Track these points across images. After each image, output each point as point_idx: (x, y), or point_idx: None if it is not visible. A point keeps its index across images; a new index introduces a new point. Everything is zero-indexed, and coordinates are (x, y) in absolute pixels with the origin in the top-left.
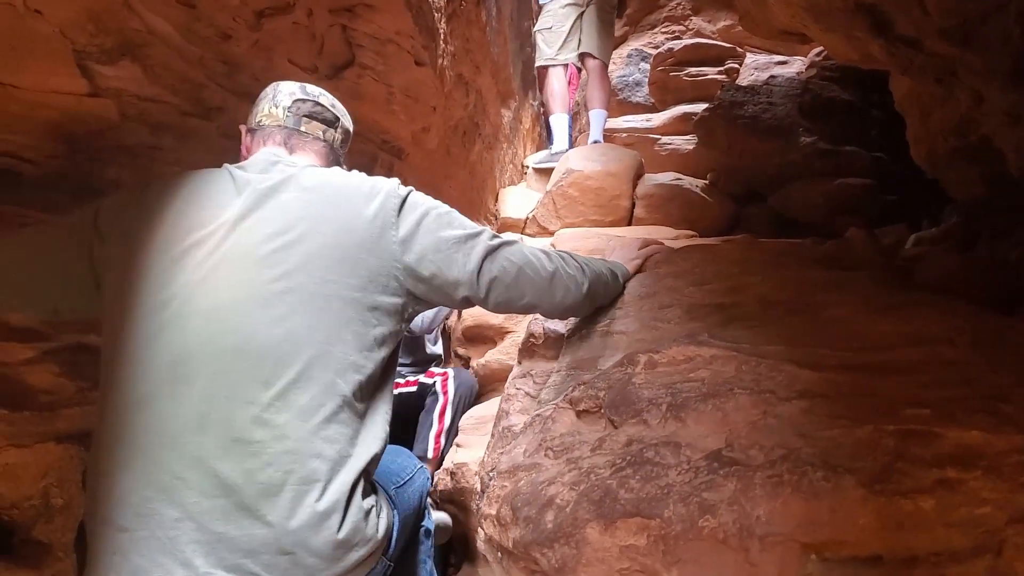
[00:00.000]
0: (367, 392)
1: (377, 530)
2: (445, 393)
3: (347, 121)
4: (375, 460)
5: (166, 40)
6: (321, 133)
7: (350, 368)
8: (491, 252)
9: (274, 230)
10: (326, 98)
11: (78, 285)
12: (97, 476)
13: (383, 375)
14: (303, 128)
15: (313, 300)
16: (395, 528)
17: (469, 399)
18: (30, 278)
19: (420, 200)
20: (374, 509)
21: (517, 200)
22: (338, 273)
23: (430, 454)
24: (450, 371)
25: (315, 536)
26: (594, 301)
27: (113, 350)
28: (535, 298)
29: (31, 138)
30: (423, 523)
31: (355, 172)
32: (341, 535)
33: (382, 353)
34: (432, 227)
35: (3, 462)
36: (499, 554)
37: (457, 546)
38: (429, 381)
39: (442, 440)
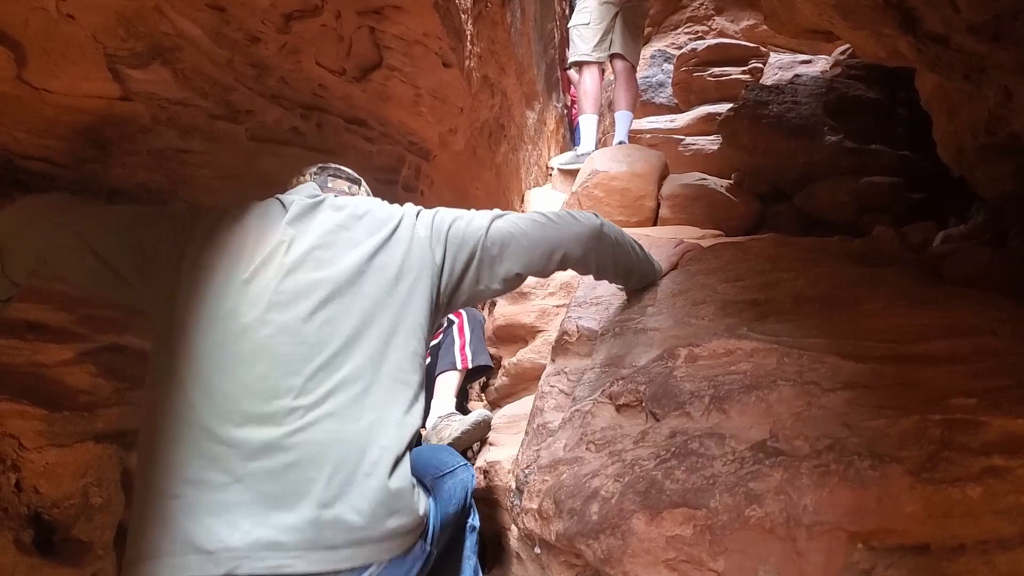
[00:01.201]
0: (410, 369)
1: (418, 505)
2: (459, 316)
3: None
4: (416, 437)
5: (196, 44)
6: (347, 188)
7: (396, 345)
8: (500, 216)
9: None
10: (345, 169)
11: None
12: (149, 454)
13: (422, 356)
14: (330, 184)
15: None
16: (432, 514)
17: (481, 321)
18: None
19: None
20: (416, 488)
21: (542, 201)
22: (385, 278)
23: (459, 365)
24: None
25: (359, 493)
26: (616, 246)
27: (170, 343)
28: (545, 235)
29: (64, 142)
30: (468, 520)
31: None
32: (389, 490)
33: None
34: (446, 216)
35: (44, 462)
36: (538, 549)
37: (489, 546)
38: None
39: (467, 352)
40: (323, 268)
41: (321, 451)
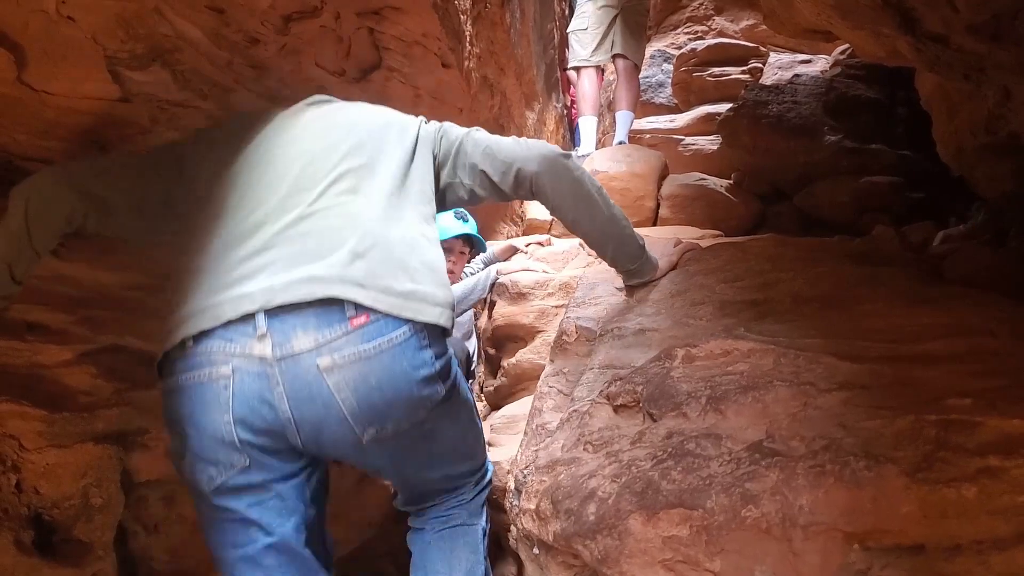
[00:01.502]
0: (429, 203)
1: (446, 289)
2: None
3: None
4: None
5: (195, 45)
6: None
7: (413, 180)
8: (480, 129)
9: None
10: None
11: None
12: (183, 264)
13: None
14: None
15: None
16: (455, 366)
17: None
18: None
19: None
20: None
21: None
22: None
23: None
24: None
25: (391, 252)
26: (578, 185)
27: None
28: (511, 148)
29: (64, 143)
30: (482, 522)
31: None
32: (421, 257)
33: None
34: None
35: (44, 462)
36: (536, 550)
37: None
38: None
39: None
40: (348, 116)
41: (354, 220)
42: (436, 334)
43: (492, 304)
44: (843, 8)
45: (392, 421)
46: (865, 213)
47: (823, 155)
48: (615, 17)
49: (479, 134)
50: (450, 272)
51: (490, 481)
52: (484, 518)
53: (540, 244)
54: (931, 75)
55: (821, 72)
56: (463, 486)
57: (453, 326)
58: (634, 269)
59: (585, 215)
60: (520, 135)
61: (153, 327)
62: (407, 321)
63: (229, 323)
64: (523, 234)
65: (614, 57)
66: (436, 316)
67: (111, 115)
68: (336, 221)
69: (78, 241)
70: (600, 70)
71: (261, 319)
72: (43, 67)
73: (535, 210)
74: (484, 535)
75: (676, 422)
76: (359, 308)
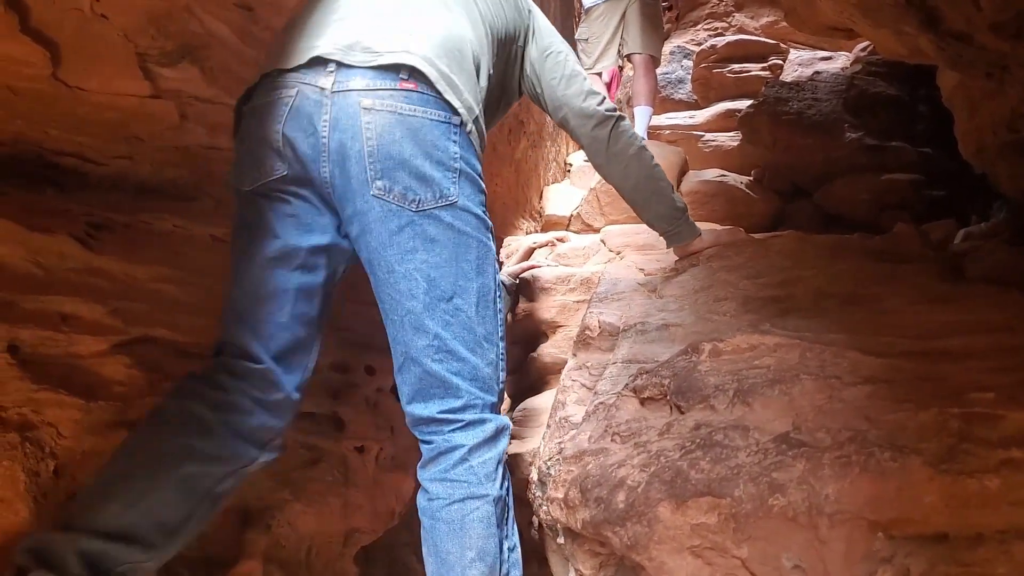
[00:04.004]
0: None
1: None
2: None
3: None
4: None
5: (224, 43)
6: None
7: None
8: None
9: None
10: None
11: None
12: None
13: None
14: None
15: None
16: (475, 205)
17: None
18: None
19: None
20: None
21: (561, 197)
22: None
23: None
24: None
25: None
26: (618, 142)
27: None
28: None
29: (97, 139)
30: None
31: None
32: (467, 73)
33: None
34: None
35: (80, 449)
36: (561, 539)
37: None
38: None
39: None
40: None
41: (436, 17)
42: (466, 142)
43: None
44: (865, 6)
45: (400, 183)
46: (885, 211)
47: (843, 152)
48: (623, 15)
49: (564, 57)
50: None
51: (501, 436)
52: (498, 484)
53: (552, 243)
54: (953, 72)
55: (842, 69)
56: (461, 397)
57: (480, 142)
58: (672, 231)
59: (618, 172)
60: (540, 129)
61: (184, 320)
62: (447, 109)
63: (306, 65)
64: (542, 230)
65: (628, 56)
66: (466, 115)
67: (142, 111)
68: (423, 8)
69: (110, 234)
70: (612, 70)
71: (332, 65)
72: (77, 64)
73: (554, 206)
74: (497, 503)
75: (704, 414)
76: (412, 75)
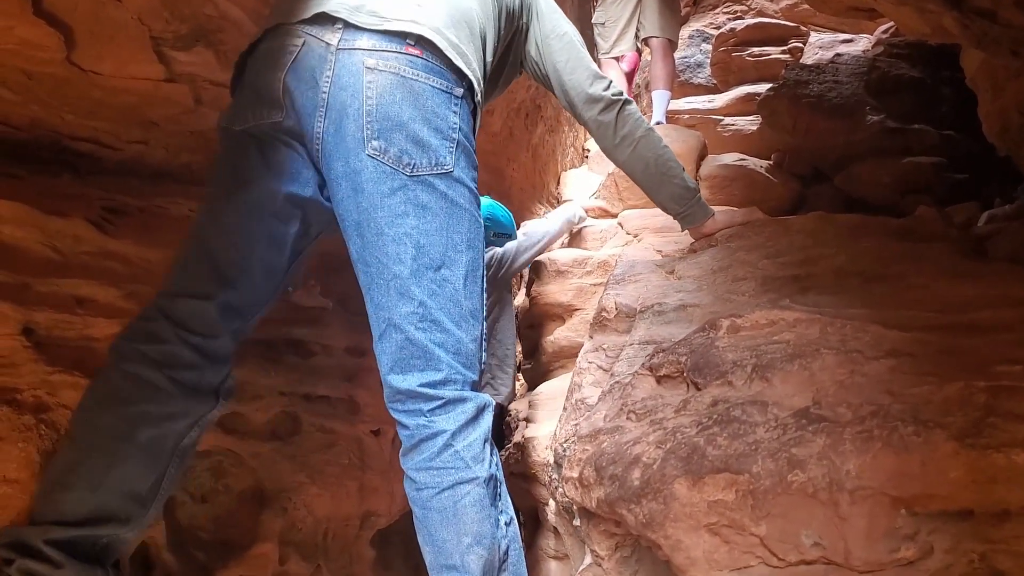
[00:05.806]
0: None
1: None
2: None
3: None
4: None
5: (238, 25)
6: None
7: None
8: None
9: None
10: None
11: None
12: None
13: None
14: None
15: None
16: (469, 179)
17: None
18: None
19: None
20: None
21: (579, 183)
22: None
23: None
24: None
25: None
26: (638, 125)
27: None
28: (579, 67)
29: (111, 124)
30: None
31: None
32: (476, 45)
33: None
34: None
35: None
36: (577, 521)
37: (527, 521)
38: None
39: None
40: None
41: None
42: (466, 114)
43: (530, 282)
44: None
45: (396, 145)
46: (907, 194)
47: (864, 135)
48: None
49: (571, 38)
50: None
51: (484, 415)
52: (486, 464)
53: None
54: (977, 52)
55: (863, 52)
56: (441, 370)
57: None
58: (684, 212)
59: (627, 154)
60: (557, 114)
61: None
62: (450, 80)
63: (312, 20)
64: None
65: (645, 40)
66: (476, 85)
67: (156, 95)
68: None
69: (125, 219)
70: (619, 58)
71: (339, 24)
72: (91, 48)
73: (571, 191)
74: (488, 483)
75: (721, 390)
76: (419, 43)
